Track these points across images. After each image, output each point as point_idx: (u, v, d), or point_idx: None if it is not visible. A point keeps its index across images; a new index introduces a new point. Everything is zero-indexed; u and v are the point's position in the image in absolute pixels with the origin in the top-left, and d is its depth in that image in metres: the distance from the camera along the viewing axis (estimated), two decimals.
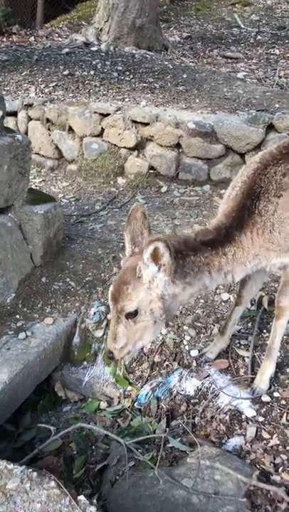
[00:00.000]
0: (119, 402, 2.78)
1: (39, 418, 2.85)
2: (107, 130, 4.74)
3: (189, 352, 2.75)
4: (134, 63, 6.33)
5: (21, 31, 7.95)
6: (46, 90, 5.48)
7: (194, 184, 4.51)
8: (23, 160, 2.94)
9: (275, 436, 2.25)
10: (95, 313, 2.98)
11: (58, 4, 9.38)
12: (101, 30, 7.40)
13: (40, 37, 7.81)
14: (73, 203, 4.42)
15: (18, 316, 2.91)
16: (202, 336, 2.84)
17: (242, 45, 7.95)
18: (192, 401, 2.55)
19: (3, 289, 2.96)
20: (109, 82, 5.66)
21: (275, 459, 2.14)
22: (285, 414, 2.33)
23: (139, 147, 4.65)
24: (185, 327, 2.89)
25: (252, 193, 2.01)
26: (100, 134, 4.81)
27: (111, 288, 1.97)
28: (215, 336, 2.75)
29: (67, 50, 6.72)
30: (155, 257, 1.83)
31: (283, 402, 2.40)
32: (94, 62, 6.26)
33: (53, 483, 1.70)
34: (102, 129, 4.78)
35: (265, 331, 2.84)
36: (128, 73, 5.96)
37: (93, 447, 2.59)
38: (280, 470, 2.09)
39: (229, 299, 3.06)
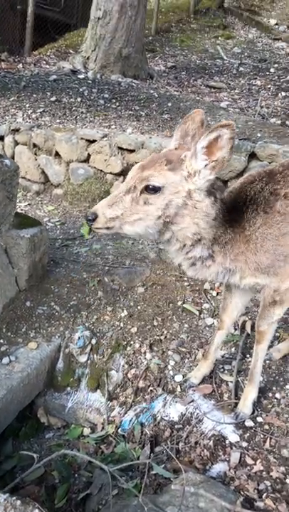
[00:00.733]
0: (102, 428, 2.75)
1: (21, 445, 2.80)
2: (94, 156, 4.81)
3: (174, 377, 2.76)
4: (121, 91, 6.48)
5: (10, 58, 8.09)
6: (33, 116, 5.56)
7: None
8: (11, 185, 2.97)
9: (258, 461, 2.25)
10: (79, 338, 2.98)
11: (46, 33, 9.60)
12: (88, 58, 7.58)
13: (28, 64, 7.95)
14: (58, 226, 4.45)
15: (1, 341, 2.88)
16: (186, 361, 2.86)
17: (225, 75, 8.21)
18: (176, 426, 2.55)
19: None
20: (96, 109, 5.78)
21: (258, 485, 2.14)
22: (268, 440, 2.34)
23: (124, 173, 4.73)
24: (169, 352, 2.90)
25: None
26: (87, 160, 4.88)
27: (142, 162, 1.85)
28: (199, 361, 2.77)
29: (54, 77, 6.86)
30: (211, 149, 1.73)
31: (266, 427, 2.42)
32: (81, 90, 6.39)
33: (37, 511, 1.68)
34: (89, 155, 4.85)
35: (248, 355, 2.87)
36: (114, 101, 6.10)
37: (76, 475, 2.55)
38: (263, 496, 2.09)
39: (213, 323, 3.09)
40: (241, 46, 10.15)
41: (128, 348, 2.95)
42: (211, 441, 2.40)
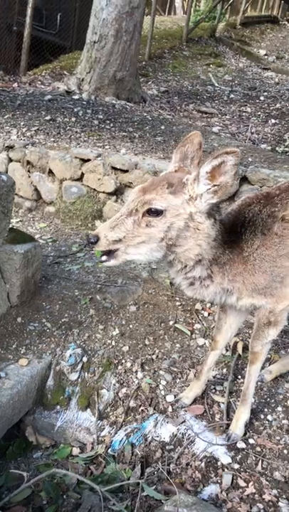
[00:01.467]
0: (92, 448, 2.71)
1: (7, 465, 2.73)
2: (87, 175, 4.85)
3: (165, 397, 2.74)
4: (115, 113, 6.59)
5: (5, 77, 8.19)
6: (28, 134, 5.61)
7: None
8: (7, 200, 2.98)
9: (251, 484, 2.23)
10: (70, 355, 2.95)
11: (41, 54, 9.75)
12: (83, 80, 7.70)
13: (23, 83, 8.05)
14: (50, 243, 4.44)
15: None
16: (178, 380, 2.85)
17: (216, 101, 8.42)
18: (167, 447, 2.52)
19: None
20: (90, 130, 5.85)
21: (251, 508, 2.12)
22: (260, 462, 2.33)
23: (118, 192, 4.77)
24: (161, 372, 2.89)
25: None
26: (80, 179, 4.91)
27: (142, 184, 1.86)
28: (191, 381, 2.76)
29: (49, 96, 6.95)
30: (214, 173, 1.75)
31: (258, 448, 2.41)
32: (75, 110, 6.48)
33: None
34: (82, 174, 4.89)
35: (240, 376, 2.87)
36: (108, 122, 6.19)
37: (64, 496, 2.48)
38: None
39: (205, 343, 3.10)
40: (232, 74, 10.44)
41: (119, 367, 2.93)
42: (203, 463, 2.38)
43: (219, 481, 2.28)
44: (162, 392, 2.77)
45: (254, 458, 2.36)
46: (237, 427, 2.45)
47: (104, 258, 1.89)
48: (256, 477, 2.26)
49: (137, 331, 3.16)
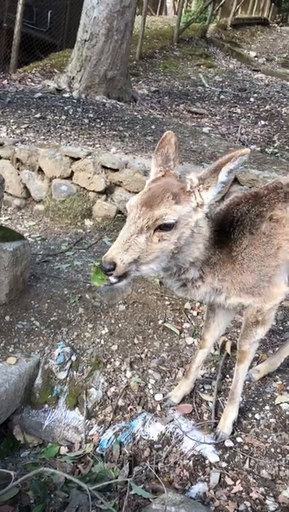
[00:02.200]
0: (80, 447, 2.70)
1: None
2: (77, 173, 4.84)
3: (154, 396, 2.74)
4: (105, 112, 6.58)
5: None
6: (18, 131, 5.57)
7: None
8: None
9: (238, 482, 2.24)
10: (59, 354, 2.94)
11: (32, 52, 9.69)
12: (73, 78, 7.68)
13: (13, 80, 7.99)
14: (39, 242, 4.42)
15: None
16: (167, 379, 2.85)
17: (206, 102, 8.45)
18: (155, 446, 2.52)
19: None
20: (81, 128, 5.83)
21: (238, 505, 2.13)
22: (247, 460, 2.35)
23: (107, 191, 4.77)
24: (150, 371, 2.89)
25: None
26: (70, 177, 4.90)
27: (141, 197, 1.78)
28: (180, 380, 2.77)
29: (39, 94, 6.91)
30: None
31: (246, 447, 2.42)
32: (66, 108, 6.45)
33: None
34: (72, 172, 4.87)
35: (228, 376, 2.88)
36: (99, 120, 6.18)
37: (52, 495, 2.48)
38: None
39: (194, 343, 3.11)
40: (222, 75, 10.48)
41: (108, 366, 2.92)
42: (191, 462, 2.38)
43: (207, 479, 2.29)
44: (151, 391, 2.77)
45: (242, 456, 2.37)
46: (225, 426, 2.46)
47: (114, 280, 1.76)
48: (244, 475, 2.28)
49: (126, 330, 3.16)
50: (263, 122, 7.29)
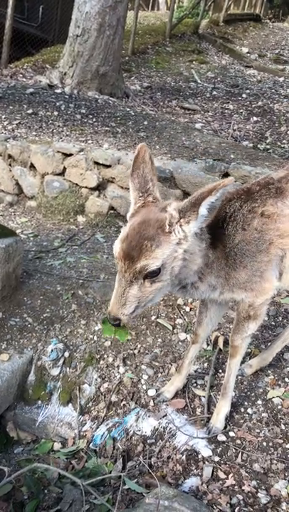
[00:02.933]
0: (73, 443, 2.71)
1: None
2: (69, 169, 4.82)
3: (147, 391, 2.75)
4: (97, 107, 6.56)
5: None
6: (9, 127, 5.54)
7: None
8: None
9: (230, 476, 2.27)
10: (52, 350, 2.94)
11: (23, 47, 9.63)
12: (65, 74, 7.64)
13: (4, 76, 7.94)
14: (32, 238, 4.41)
15: None
16: (160, 375, 2.86)
17: (199, 98, 8.45)
18: (149, 441, 2.54)
19: None
20: (73, 124, 5.81)
21: (231, 499, 2.16)
22: (240, 454, 2.37)
23: (100, 188, 4.76)
24: (143, 366, 2.90)
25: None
26: (62, 173, 4.89)
27: (121, 246, 1.75)
28: (172, 375, 2.78)
29: (31, 90, 6.87)
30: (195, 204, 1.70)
31: (238, 441, 2.44)
32: (58, 104, 6.42)
33: None
34: (64, 168, 4.86)
35: (220, 370, 2.90)
36: (91, 116, 6.16)
37: (45, 491, 2.48)
38: (236, 510, 2.10)
39: (186, 338, 3.12)
40: (215, 71, 10.48)
41: (101, 362, 2.93)
42: (184, 456, 2.40)
43: (200, 473, 2.31)
44: (144, 387, 2.78)
45: (234, 450, 2.39)
46: (217, 421, 2.48)
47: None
48: (236, 469, 2.30)
49: None
50: (255, 118, 7.31)
